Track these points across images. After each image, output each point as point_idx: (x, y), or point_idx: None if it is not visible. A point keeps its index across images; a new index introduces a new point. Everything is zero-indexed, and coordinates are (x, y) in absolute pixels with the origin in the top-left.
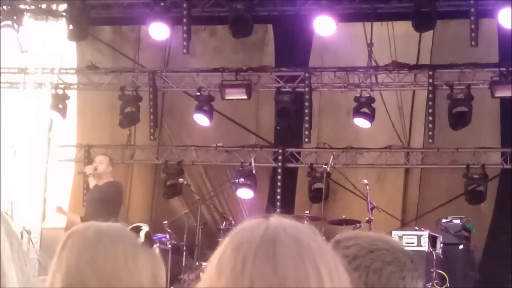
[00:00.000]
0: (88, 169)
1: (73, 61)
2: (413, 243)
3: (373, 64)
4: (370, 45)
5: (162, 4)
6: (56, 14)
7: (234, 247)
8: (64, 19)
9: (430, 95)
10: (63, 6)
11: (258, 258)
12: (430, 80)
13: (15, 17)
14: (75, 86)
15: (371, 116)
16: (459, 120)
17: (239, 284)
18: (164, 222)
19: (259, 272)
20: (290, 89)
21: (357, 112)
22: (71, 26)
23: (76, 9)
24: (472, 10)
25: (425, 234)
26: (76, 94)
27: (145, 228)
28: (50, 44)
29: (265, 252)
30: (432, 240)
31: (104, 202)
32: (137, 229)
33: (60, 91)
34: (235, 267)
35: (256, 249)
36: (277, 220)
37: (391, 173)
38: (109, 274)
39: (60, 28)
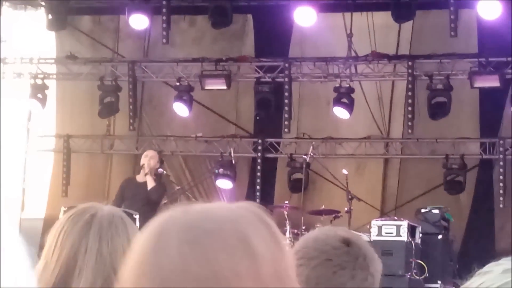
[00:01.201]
0: (147, 166)
1: (52, 51)
2: (392, 233)
3: (353, 54)
4: (349, 36)
5: None
6: (35, 4)
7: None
8: (43, 9)
9: (410, 86)
10: None
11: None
12: (410, 71)
13: None
14: (54, 76)
15: (350, 107)
16: (438, 110)
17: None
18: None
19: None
20: (269, 79)
21: (336, 102)
22: (50, 16)
23: None
24: (452, 0)
25: (404, 224)
26: (55, 84)
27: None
28: (29, 33)
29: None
30: (411, 230)
31: (154, 205)
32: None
33: (39, 81)
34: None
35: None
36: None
37: (370, 163)
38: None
39: (39, 17)
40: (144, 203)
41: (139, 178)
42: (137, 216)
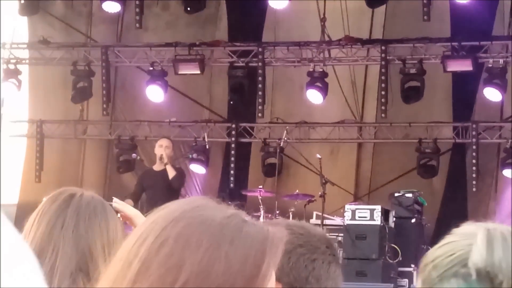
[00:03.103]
0: (166, 156)
1: (25, 35)
2: (366, 217)
3: (326, 38)
4: (323, 20)
5: None
6: None
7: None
8: None
9: (383, 70)
10: None
11: None
12: (383, 55)
13: None
14: (27, 61)
15: (324, 91)
16: (411, 94)
17: None
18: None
19: None
20: (243, 64)
21: (310, 86)
22: (22, 1)
23: None
24: None
25: (378, 208)
26: (28, 69)
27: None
28: (0, 18)
29: None
30: (385, 214)
31: (175, 192)
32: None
33: (11, 66)
34: None
35: None
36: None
37: (344, 148)
38: (111, 239)
39: (11, 2)
40: (165, 191)
41: (156, 167)
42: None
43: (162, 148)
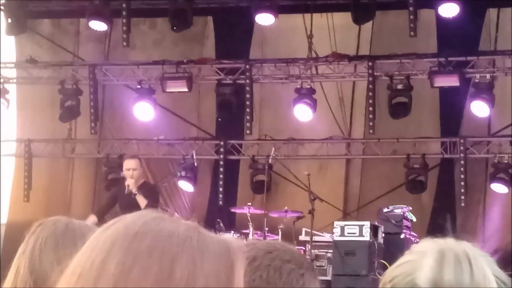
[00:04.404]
0: (132, 185)
1: (12, 55)
2: (355, 233)
3: (313, 55)
4: (310, 37)
5: None
6: None
7: None
8: (2, 13)
9: (370, 86)
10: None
11: None
12: (370, 71)
13: None
14: (15, 81)
15: (312, 107)
16: (399, 110)
17: None
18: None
19: None
20: (231, 81)
21: (297, 103)
22: (9, 20)
23: (14, 2)
24: (411, 0)
25: (367, 224)
26: (16, 88)
27: None
28: None
29: None
30: (374, 230)
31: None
32: None
33: None
34: None
35: None
36: None
37: (332, 164)
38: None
39: None
40: (134, 209)
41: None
42: None
43: (129, 172)
